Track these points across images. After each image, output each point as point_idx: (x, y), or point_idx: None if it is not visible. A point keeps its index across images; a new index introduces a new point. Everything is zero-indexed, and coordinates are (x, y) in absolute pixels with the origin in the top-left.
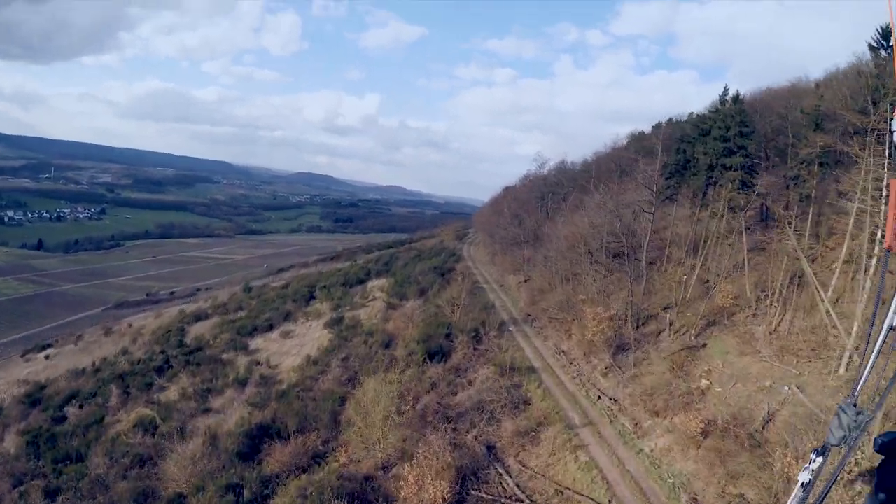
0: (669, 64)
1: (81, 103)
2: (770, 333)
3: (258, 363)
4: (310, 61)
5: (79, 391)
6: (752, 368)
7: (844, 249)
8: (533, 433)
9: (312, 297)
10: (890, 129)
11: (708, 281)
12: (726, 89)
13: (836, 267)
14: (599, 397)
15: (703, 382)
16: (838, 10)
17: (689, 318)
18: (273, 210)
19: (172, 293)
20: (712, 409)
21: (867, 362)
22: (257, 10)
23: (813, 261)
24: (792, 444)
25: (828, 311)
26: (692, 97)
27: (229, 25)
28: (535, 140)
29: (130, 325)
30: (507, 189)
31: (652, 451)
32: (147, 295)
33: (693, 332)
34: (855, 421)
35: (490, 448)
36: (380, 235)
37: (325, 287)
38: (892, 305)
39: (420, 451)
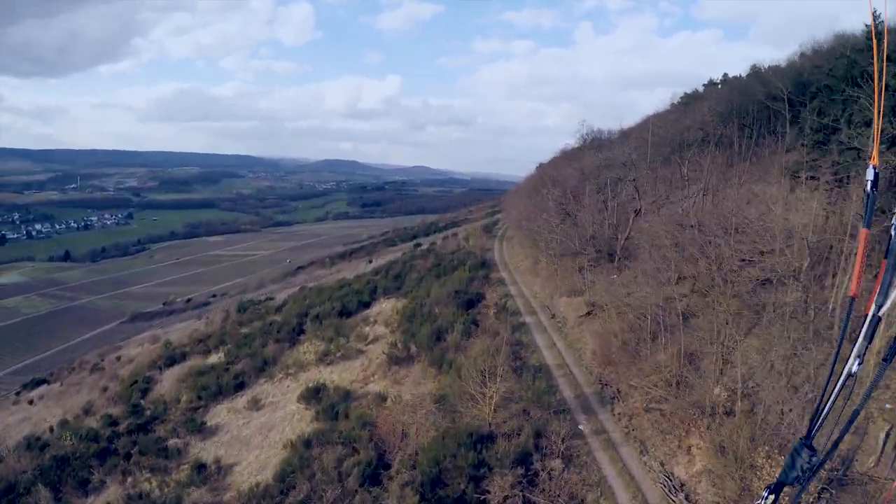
0: (693, 24)
1: (102, 112)
2: None
3: (203, 466)
4: (326, 49)
5: (16, 483)
6: None
7: None
8: None
9: (301, 331)
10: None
11: None
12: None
13: None
14: None
15: None
16: None
17: None
18: (300, 200)
19: (188, 300)
20: None
21: (824, 406)
22: (269, 3)
23: None
24: None
25: None
26: (717, 58)
27: (242, 20)
28: (560, 111)
29: (119, 359)
30: (543, 168)
31: None
32: (163, 304)
33: None
34: (808, 463)
35: None
36: (407, 218)
37: (317, 317)
38: (853, 353)
39: None
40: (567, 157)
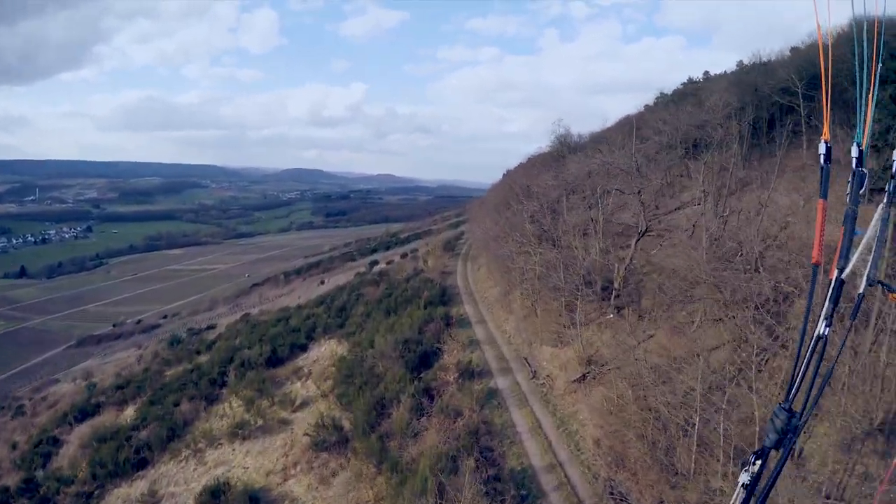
0: (656, 31)
1: (65, 121)
2: None
3: None
4: (291, 56)
5: None
6: None
7: None
8: None
9: (224, 383)
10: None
11: None
12: None
13: None
14: None
15: None
16: None
17: None
18: (263, 210)
19: (139, 321)
20: None
21: (800, 368)
22: (232, 10)
23: None
24: None
25: None
26: (682, 64)
27: (205, 28)
28: (525, 116)
29: (45, 399)
30: (511, 176)
31: None
32: (113, 326)
33: None
34: (788, 424)
35: None
36: (372, 227)
37: (243, 365)
38: (821, 316)
39: None
40: (540, 162)
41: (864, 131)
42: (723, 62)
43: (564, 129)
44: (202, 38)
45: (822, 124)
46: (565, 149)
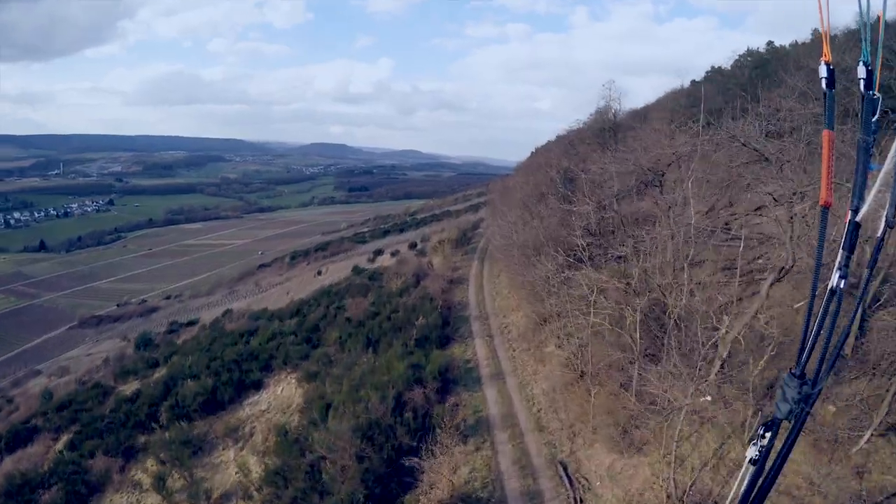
0: (688, 11)
1: (89, 96)
2: None
3: None
4: (317, 32)
5: None
6: None
7: None
8: None
9: (153, 428)
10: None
11: None
12: None
13: None
14: None
15: None
16: None
17: None
18: (286, 184)
19: (143, 301)
20: None
21: (811, 331)
22: None
23: None
24: None
25: None
26: (714, 44)
27: (231, 2)
28: (553, 95)
29: (11, 402)
30: (543, 155)
31: None
32: (117, 305)
33: None
34: (800, 393)
35: None
36: (393, 204)
37: (174, 408)
38: (835, 266)
39: None
40: (580, 139)
41: (871, 48)
42: (754, 45)
43: (618, 96)
44: (228, 11)
45: None
46: (610, 124)
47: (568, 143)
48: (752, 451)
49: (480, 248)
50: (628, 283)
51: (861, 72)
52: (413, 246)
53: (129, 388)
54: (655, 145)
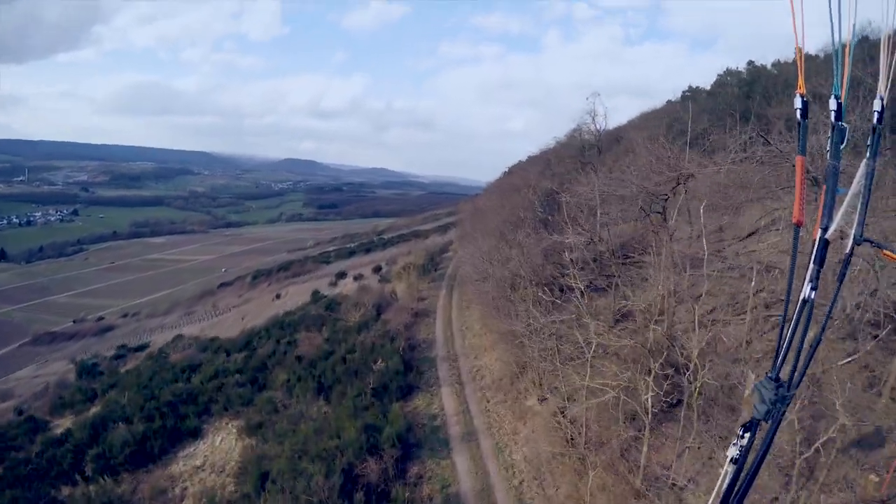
0: (658, 35)
1: (60, 102)
2: None
3: None
4: (292, 45)
5: None
6: None
7: None
8: None
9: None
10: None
11: None
12: None
13: None
14: None
15: None
16: None
17: None
18: (255, 199)
19: (100, 318)
20: None
21: (786, 336)
22: None
23: None
24: None
25: None
26: (683, 69)
27: (208, 12)
28: (527, 116)
29: None
30: (518, 175)
31: None
32: (73, 322)
33: None
34: (776, 394)
35: None
36: (361, 222)
37: (98, 458)
38: (806, 278)
39: None
40: (558, 159)
41: (841, 83)
42: (724, 67)
43: (603, 111)
44: (204, 22)
45: None
46: (595, 140)
47: (545, 163)
48: (732, 451)
49: (449, 275)
50: (642, 344)
51: (832, 104)
52: (377, 269)
53: (63, 424)
54: (660, 164)
